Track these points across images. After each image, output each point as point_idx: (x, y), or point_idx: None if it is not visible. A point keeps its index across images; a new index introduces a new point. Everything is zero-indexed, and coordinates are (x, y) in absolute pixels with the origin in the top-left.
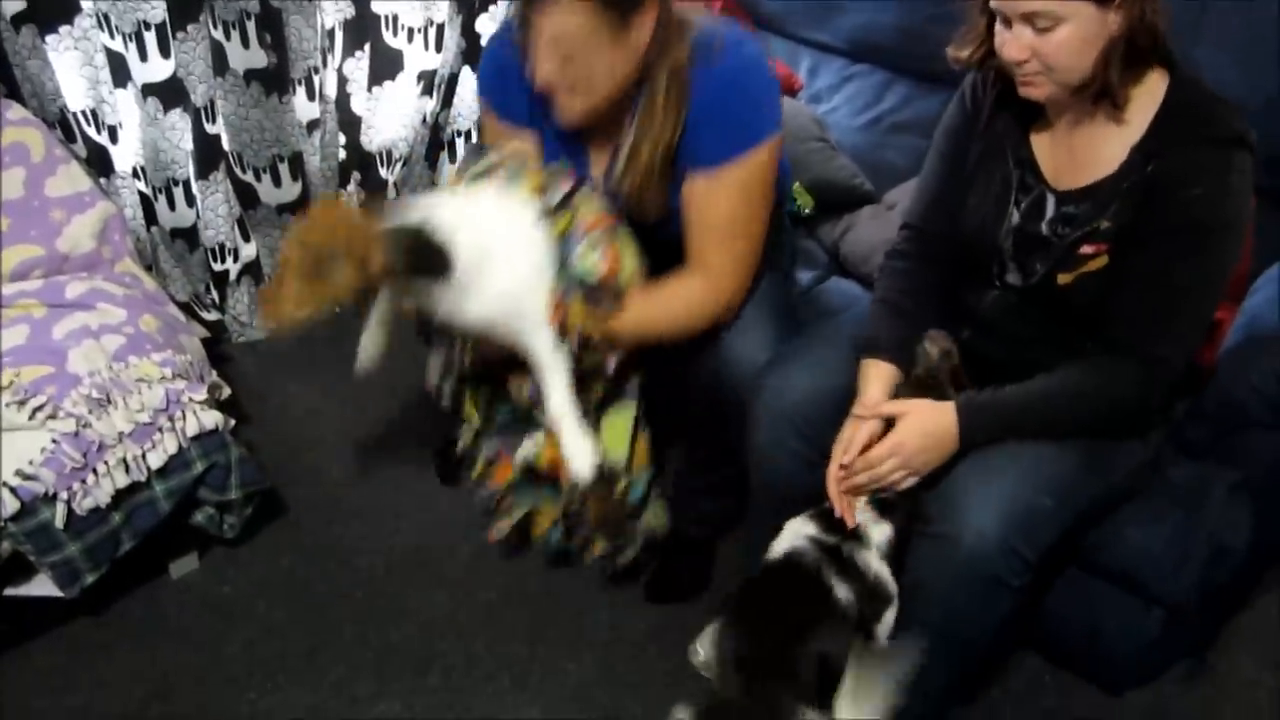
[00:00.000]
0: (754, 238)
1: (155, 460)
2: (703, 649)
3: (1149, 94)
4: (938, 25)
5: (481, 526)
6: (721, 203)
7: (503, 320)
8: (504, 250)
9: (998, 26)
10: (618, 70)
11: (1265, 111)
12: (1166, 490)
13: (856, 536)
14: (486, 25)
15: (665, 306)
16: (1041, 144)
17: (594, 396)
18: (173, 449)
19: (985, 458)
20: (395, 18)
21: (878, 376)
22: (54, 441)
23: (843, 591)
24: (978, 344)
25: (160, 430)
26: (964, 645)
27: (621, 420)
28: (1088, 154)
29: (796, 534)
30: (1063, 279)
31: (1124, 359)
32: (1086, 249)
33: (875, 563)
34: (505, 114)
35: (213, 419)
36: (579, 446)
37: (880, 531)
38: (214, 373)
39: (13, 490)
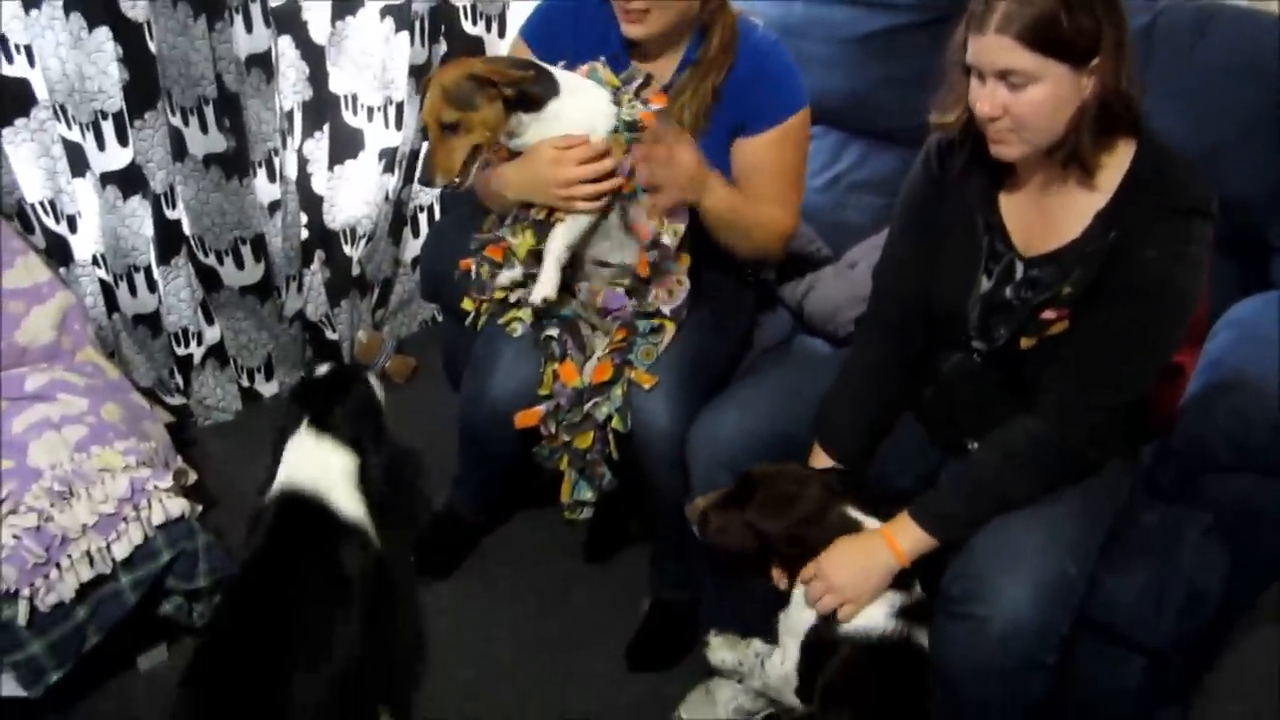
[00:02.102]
0: (800, 193)
1: (120, 551)
2: (686, 715)
3: (1117, 161)
4: (887, 88)
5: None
6: (774, 159)
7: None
8: (584, 92)
9: (973, 82)
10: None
11: (1209, 157)
12: (1139, 535)
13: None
14: None
15: (750, 203)
16: (1011, 208)
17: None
18: (138, 539)
19: (1001, 531)
20: (354, 97)
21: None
22: (15, 538)
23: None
24: (938, 403)
25: (125, 520)
26: None
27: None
28: (1056, 219)
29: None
30: (1025, 343)
31: (1044, 414)
32: (1049, 314)
33: None
34: (544, 58)
35: (179, 506)
36: (548, 277)
37: None
38: (179, 458)
39: None
